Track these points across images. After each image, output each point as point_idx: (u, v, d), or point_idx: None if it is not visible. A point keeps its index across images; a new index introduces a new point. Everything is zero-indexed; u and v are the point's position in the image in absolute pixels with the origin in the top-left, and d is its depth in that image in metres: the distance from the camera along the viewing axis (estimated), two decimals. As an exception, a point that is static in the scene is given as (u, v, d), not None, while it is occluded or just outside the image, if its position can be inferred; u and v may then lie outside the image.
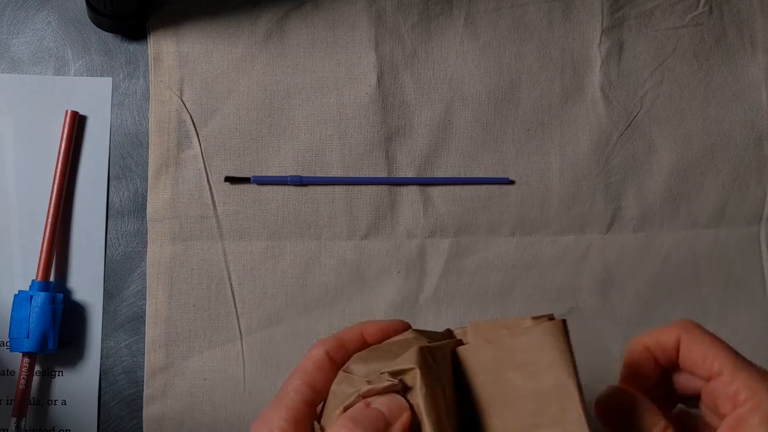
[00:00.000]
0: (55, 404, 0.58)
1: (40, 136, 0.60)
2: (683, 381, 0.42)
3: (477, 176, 0.64)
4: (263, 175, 0.62)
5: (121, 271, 0.60)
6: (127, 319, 0.60)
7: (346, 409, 0.38)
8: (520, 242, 0.64)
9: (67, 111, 0.60)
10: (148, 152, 0.61)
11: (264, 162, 0.62)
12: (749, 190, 0.66)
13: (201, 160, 0.61)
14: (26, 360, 0.57)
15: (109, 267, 0.60)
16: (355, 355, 0.42)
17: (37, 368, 0.58)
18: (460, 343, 0.42)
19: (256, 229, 0.61)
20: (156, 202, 0.61)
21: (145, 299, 0.60)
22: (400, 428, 0.36)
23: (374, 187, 0.63)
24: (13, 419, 0.56)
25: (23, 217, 0.59)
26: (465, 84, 0.64)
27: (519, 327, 0.39)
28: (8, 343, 0.57)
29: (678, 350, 0.41)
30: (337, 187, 0.62)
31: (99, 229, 0.60)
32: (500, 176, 0.64)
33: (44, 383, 0.58)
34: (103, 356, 0.59)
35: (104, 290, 0.60)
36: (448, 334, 0.44)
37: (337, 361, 0.41)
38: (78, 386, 0.59)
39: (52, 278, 0.59)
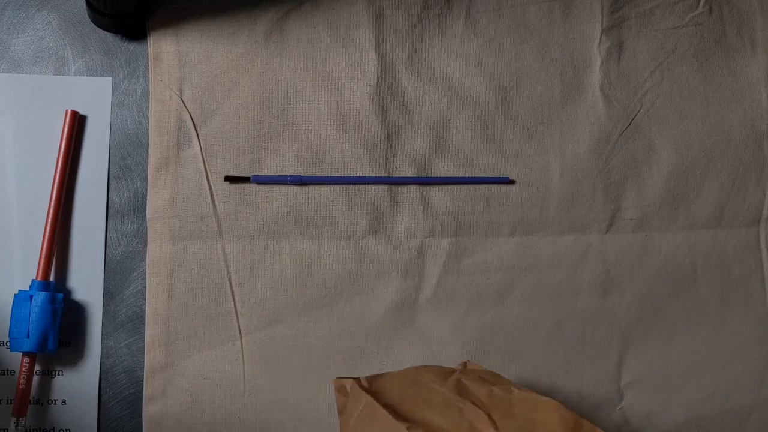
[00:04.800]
0: (54, 404, 0.59)
1: (40, 136, 0.60)
2: None
3: (477, 176, 0.64)
4: (263, 174, 0.62)
5: (121, 271, 0.60)
6: (126, 318, 0.60)
7: None
8: (519, 242, 0.64)
9: (67, 111, 0.60)
10: (147, 152, 0.61)
11: (264, 161, 0.62)
12: (748, 190, 0.66)
13: (201, 159, 0.61)
14: (26, 360, 0.57)
15: (109, 267, 0.60)
16: None
17: (37, 368, 0.58)
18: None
19: (256, 228, 0.61)
20: (156, 201, 0.61)
21: (144, 299, 0.60)
22: None
23: (374, 187, 0.63)
24: (13, 419, 0.56)
25: (23, 217, 0.59)
26: (465, 84, 0.64)
27: None
28: (8, 343, 0.57)
29: None
30: (336, 187, 0.62)
31: (99, 229, 0.60)
32: (500, 176, 0.64)
33: (44, 383, 0.59)
34: (103, 356, 0.60)
35: (104, 290, 0.60)
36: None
37: None
38: (78, 386, 0.59)
39: (52, 278, 0.59)
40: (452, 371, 0.53)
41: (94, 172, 0.61)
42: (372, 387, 0.50)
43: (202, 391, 0.60)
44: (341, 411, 0.51)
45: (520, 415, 0.47)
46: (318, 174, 0.62)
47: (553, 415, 0.47)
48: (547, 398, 0.47)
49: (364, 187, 0.63)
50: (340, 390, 0.51)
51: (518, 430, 0.46)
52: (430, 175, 0.63)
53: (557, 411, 0.47)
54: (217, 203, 0.61)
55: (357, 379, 0.50)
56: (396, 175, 0.63)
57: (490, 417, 0.46)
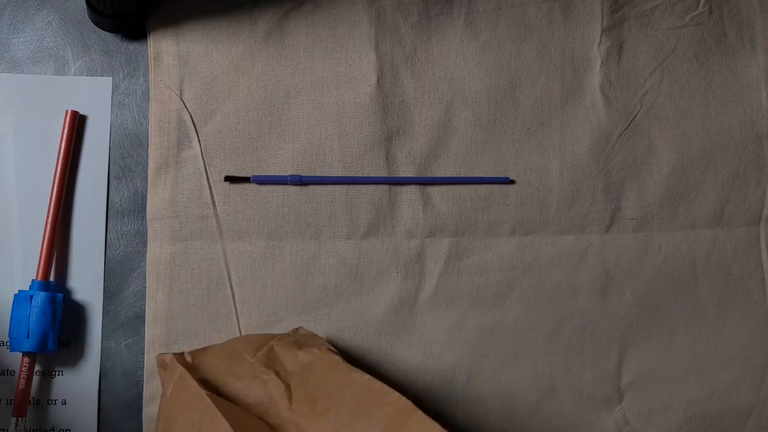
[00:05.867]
0: (54, 404, 0.59)
1: (40, 136, 0.60)
2: None
3: (477, 176, 0.64)
4: (263, 174, 0.62)
5: (121, 271, 0.60)
6: (127, 318, 0.60)
7: None
8: (519, 242, 0.64)
9: (67, 111, 0.60)
10: (148, 152, 0.61)
11: (264, 161, 0.62)
12: (748, 190, 0.66)
13: (201, 159, 0.61)
14: (26, 360, 0.57)
15: (109, 267, 0.60)
16: None
17: (37, 368, 0.58)
18: None
19: (256, 228, 0.61)
20: (156, 201, 0.61)
21: (144, 299, 0.60)
22: None
23: (374, 187, 0.63)
24: (13, 419, 0.56)
25: (23, 217, 0.59)
26: (465, 84, 0.64)
27: None
28: (8, 343, 0.57)
29: None
30: (336, 187, 0.62)
31: (99, 229, 0.60)
32: (500, 176, 0.64)
33: (44, 383, 0.59)
34: (103, 356, 0.60)
35: (104, 290, 0.60)
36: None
37: None
38: (78, 386, 0.59)
39: (52, 278, 0.59)
40: (270, 338, 0.54)
41: (94, 172, 0.61)
42: (194, 361, 0.52)
43: (202, 391, 0.60)
44: (162, 384, 0.52)
45: (314, 380, 0.49)
46: (318, 174, 0.62)
47: (335, 373, 0.48)
48: (336, 357, 0.50)
49: (364, 187, 0.63)
50: (161, 365, 0.53)
51: (306, 398, 0.48)
52: (430, 175, 0.63)
53: (339, 369, 0.49)
54: (217, 203, 0.61)
55: (179, 354, 0.52)
56: (396, 175, 0.63)
57: (287, 387, 0.48)
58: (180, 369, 0.49)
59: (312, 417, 0.46)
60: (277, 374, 0.50)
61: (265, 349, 0.53)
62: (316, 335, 0.57)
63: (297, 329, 0.58)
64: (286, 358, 0.51)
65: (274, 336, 0.55)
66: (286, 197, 0.62)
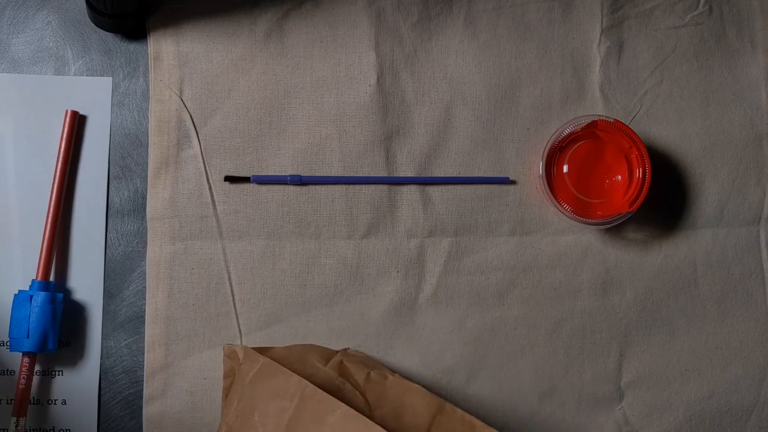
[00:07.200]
0: (55, 404, 0.59)
1: (40, 136, 0.60)
2: None
3: (477, 176, 0.64)
4: (263, 174, 0.62)
5: (121, 271, 0.60)
6: (126, 318, 0.60)
7: None
8: (519, 242, 0.64)
9: (67, 111, 0.60)
10: (148, 152, 0.61)
11: (264, 161, 0.62)
12: (748, 190, 0.66)
13: (201, 159, 0.61)
14: (26, 360, 0.57)
15: (109, 267, 0.60)
16: None
17: (37, 368, 0.58)
18: None
19: (256, 228, 0.61)
20: (156, 201, 0.61)
21: (144, 299, 0.60)
22: None
23: (374, 187, 0.63)
24: (13, 419, 0.56)
25: (23, 217, 0.59)
26: (465, 83, 0.64)
27: None
28: (8, 343, 0.57)
29: None
30: (336, 187, 0.62)
31: (99, 229, 0.60)
32: (500, 176, 0.64)
33: (44, 383, 0.59)
34: (103, 356, 0.60)
35: (104, 290, 0.60)
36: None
37: None
38: (78, 386, 0.59)
39: (52, 278, 0.59)
40: (334, 353, 0.57)
41: (94, 172, 0.61)
42: (264, 355, 0.54)
43: (202, 390, 0.60)
44: (227, 375, 0.56)
45: (392, 398, 0.52)
46: (318, 174, 0.62)
47: (420, 399, 0.51)
48: (417, 385, 0.53)
49: (364, 187, 0.63)
50: (230, 355, 0.55)
51: (389, 412, 0.51)
52: (430, 175, 0.63)
53: (423, 397, 0.52)
54: (217, 203, 0.61)
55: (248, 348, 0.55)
56: (396, 175, 0.63)
57: (365, 398, 0.52)
58: (264, 358, 0.52)
59: (396, 426, 0.50)
60: (353, 384, 0.53)
61: (335, 362, 0.55)
62: (369, 356, 0.60)
63: (346, 349, 0.60)
64: (358, 374, 0.54)
65: (336, 351, 0.58)
66: (286, 197, 0.62)
